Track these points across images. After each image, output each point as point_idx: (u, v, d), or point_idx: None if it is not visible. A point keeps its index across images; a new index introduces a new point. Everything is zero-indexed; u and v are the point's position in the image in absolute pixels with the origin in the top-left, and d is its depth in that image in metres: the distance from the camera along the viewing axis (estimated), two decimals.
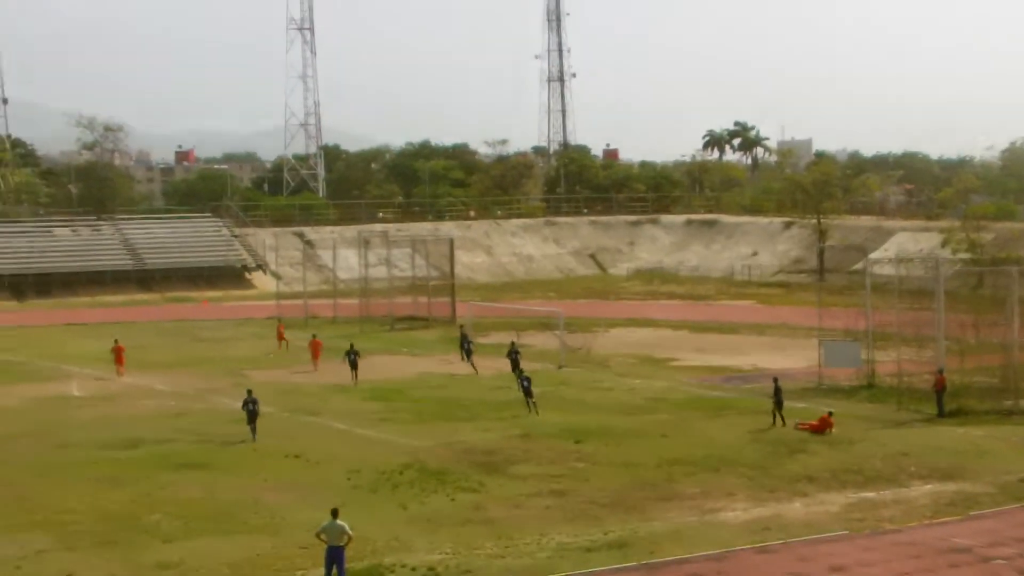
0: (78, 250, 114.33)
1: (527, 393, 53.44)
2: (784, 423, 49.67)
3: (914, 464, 43.22)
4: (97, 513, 37.90)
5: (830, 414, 49.25)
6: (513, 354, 62.96)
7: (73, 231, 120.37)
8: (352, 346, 63.10)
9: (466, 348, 67.26)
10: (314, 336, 69.63)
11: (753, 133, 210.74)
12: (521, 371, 57.49)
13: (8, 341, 72.07)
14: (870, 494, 39.37)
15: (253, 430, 48.81)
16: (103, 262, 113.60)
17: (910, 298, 58.85)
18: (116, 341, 66.57)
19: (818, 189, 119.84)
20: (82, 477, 42.59)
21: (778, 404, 50.23)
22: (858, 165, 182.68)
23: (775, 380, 51.07)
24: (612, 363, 68.04)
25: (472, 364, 65.92)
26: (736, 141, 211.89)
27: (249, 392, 49.91)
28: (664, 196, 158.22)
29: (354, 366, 61.88)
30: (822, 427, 48.40)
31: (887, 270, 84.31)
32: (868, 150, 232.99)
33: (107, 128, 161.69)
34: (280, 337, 75.37)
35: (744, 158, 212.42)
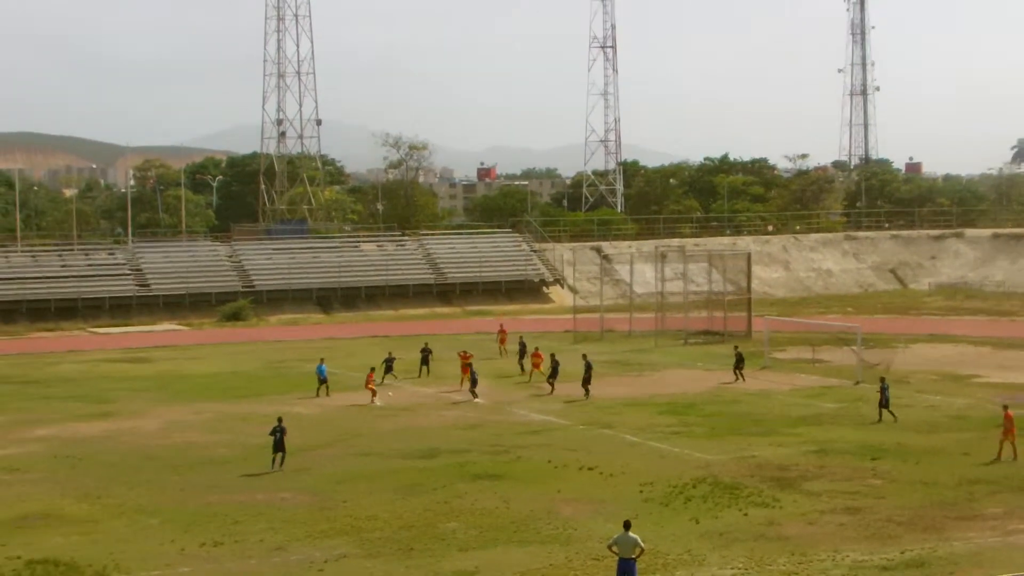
0: (383, 265, 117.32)
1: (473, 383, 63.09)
2: (895, 418, 53.66)
3: None
4: (397, 521, 38.91)
5: (1005, 407, 47.79)
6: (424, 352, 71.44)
7: (379, 246, 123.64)
8: (280, 421, 47.25)
9: (738, 364, 67.39)
10: (536, 348, 70.65)
11: None
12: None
13: (315, 352, 74.49)
14: None
15: (473, 393, 62.02)
16: (406, 276, 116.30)
17: None
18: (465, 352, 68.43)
19: None
20: (382, 486, 43.78)
21: (883, 403, 54.18)
22: None
23: (882, 379, 56.20)
24: (912, 379, 66.57)
25: (741, 375, 67.32)
26: None
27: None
28: (969, 210, 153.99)
29: (279, 447, 46.84)
30: (1009, 427, 46.30)
31: None
32: None
33: (412, 147, 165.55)
34: (502, 342, 79.76)
35: None
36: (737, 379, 66.74)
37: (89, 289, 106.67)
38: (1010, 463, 45.31)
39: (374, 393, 62.00)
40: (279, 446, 46.55)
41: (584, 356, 64.36)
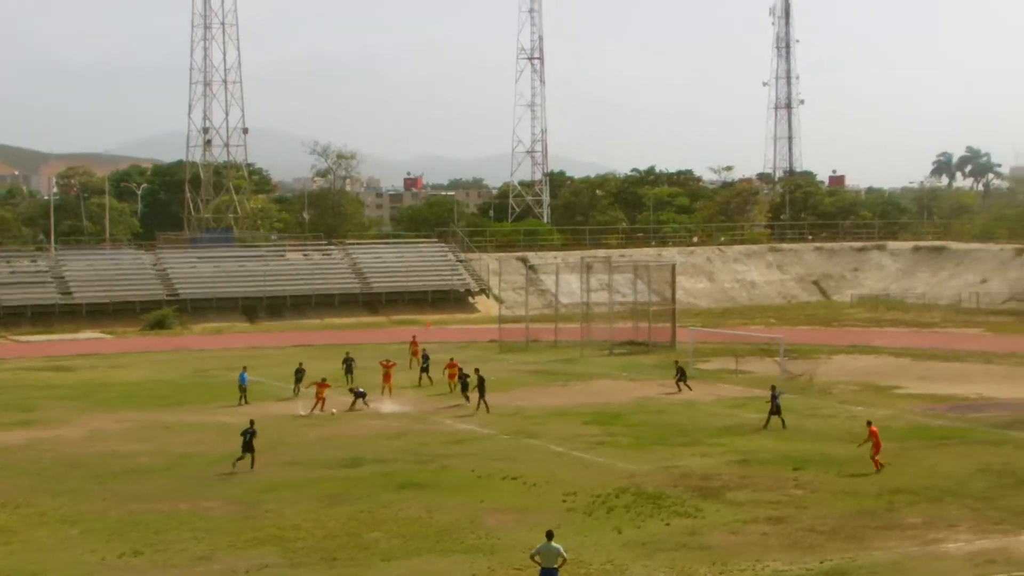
0: (308, 274, 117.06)
1: (359, 395, 62.50)
2: (783, 425, 54.82)
3: None
4: (320, 530, 38.78)
5: (869, 423, 48.38)
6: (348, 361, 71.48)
7: (304, 255, 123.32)
8: (252, 424, 49.09)
9: (682, 376, 67.33)
10: (452, 359, 70.00)
11: (985, 159, 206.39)
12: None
13: (239, 361, 74.01)
14: None
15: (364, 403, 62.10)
16: (332, 285, 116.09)
17: None
18: (387, 360, 68.25)
19: None
20: (307, 495, 43.62)
21: (775, 410, 55.19)
22: None
23: (773, 387, 56.74)
24: (834, 390, 67.15)
25: (687, 387, 66.56)
26: (967, 167, 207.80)
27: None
28: (891, 223, 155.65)
29: (248, 448, 48.10)
30: (877, 441, 46.70)
31: None
32: None
33: (340, 156, 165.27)
34: (414, 354, 76.53)
35: (975, 184, 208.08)
36: (681, 390, 66.41)
37: (10, 297, 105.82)
38: (931, 475, 45.75)
39: (322, 402, 61.80)
40: (247, 447, 47.63)
41: (477, 370, 63.62)
